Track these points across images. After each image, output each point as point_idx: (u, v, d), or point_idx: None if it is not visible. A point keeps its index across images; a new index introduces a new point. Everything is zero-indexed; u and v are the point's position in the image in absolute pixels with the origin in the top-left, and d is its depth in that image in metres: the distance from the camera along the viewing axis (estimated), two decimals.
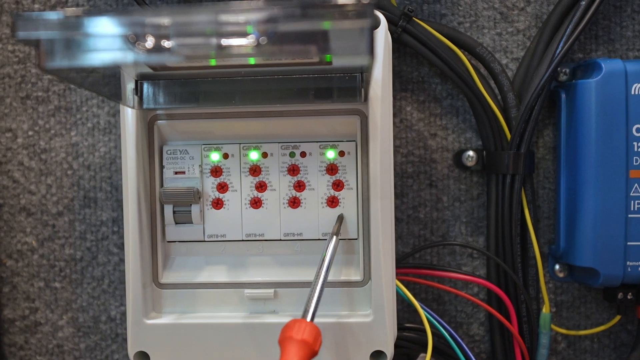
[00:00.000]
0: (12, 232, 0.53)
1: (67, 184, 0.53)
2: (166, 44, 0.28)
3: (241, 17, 0.27)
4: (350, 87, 0.40)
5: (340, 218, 0.43)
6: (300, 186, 0.44)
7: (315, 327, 0.36)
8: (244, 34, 0.28)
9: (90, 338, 0.54)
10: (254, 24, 0.27)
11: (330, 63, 0.37)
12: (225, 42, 0.28)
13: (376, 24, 0.40)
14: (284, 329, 0.36)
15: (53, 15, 0.27)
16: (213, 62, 0.35)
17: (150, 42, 0.28)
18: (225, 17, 0.28)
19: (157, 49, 0.28)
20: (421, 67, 0.51)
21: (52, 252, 0.53)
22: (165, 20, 0.27)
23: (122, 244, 0.53)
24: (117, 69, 0.38)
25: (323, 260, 0.39)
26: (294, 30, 0.27)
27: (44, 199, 0.53)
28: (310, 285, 0.40)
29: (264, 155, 0.44)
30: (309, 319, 0.37)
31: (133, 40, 0.27)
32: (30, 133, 0.53)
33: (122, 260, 0.53)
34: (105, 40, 0.28)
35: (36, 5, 0.52)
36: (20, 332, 0.54)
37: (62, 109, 0.53)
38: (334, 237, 0.41)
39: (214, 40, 0.28)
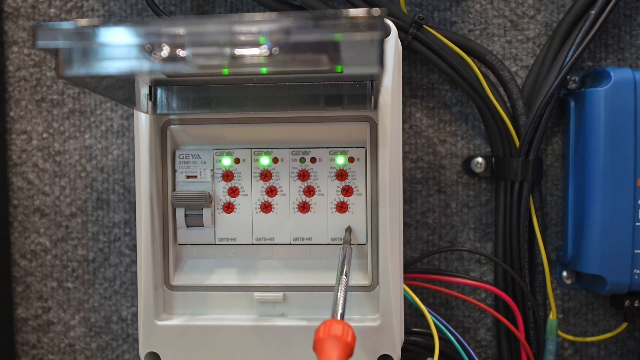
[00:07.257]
0: (26, 233, 0.54)
1: (80, 186, 0.54)
2: (181, 53, 0.28)
3: (254, 28, 0.28)
4: (360, 94, 0.41)
5: (349, 229, 0.44)
6: (310, 191, 0.44)
7: (346, 323, 0.34)
8: (257, 44, 0.28)
9: (101, 338, 0.54)
10: (267, 34, 0.28)
11: (340, 72, 0.37)
12: (238, 51, 0.28)
13: (387, 33, 0.41)
14: (316, 332, 0.34)
15: (72, 25, 0.28)
16: (226, 72, 0.36)
17: (165, 51, 0.28)
18: (238, 28, 0.28)
19: (172, 58, 0.28)
20: (431, 73, 0.52)
21: (65, 253, 0.54)
22: (180, 30, 0.28)
23: (134, 245, 0.53)
24: (131, 75, 0.38)
25: (342, 268, 0.39)
26: (306, 41, 0.28)
27: (58, 200, 0.54)
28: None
29: (275, 160, 0.44)
30: (338, 317, 0.36)
31: (149, 49, 0.28)
32: (45, 135, 0.54)
33: (133, 262, 0.54)
34: (122, 50, 0.28)
35: (52, 10, 0.53)
36: (32, 331, 0.55)
37: (76, 111, 0.53)
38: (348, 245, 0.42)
39: (227, 50, 0.28)
